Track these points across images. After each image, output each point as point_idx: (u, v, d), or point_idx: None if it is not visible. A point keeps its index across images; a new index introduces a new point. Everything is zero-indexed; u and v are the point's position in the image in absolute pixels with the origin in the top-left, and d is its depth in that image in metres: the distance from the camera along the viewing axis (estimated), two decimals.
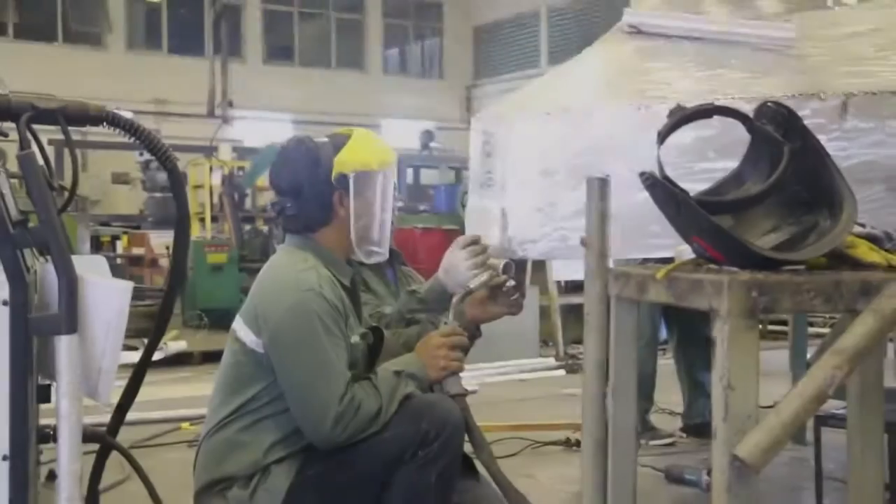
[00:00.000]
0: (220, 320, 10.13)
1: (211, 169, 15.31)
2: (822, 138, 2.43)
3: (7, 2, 22.81)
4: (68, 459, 2.04)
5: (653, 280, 2.33)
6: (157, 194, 15.53)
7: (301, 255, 2.96)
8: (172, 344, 9.54)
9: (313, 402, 2.79)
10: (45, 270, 2.16)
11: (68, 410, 2.03)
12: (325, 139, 3.03)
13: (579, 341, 10.02)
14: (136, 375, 2.60)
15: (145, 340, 8.81)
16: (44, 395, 2.36)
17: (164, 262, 13.28)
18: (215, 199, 15.21)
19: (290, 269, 2.93)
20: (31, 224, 2.07)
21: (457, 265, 3.22)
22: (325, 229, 3.00)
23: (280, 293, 2.88)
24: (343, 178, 2.94)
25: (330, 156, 2.95)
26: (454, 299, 3.16)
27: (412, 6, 28.91)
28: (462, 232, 3.47)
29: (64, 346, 2.02)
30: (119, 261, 14.58)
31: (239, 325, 2.97)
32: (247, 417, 2.91)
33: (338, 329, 2.86)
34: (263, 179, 14.27)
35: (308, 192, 2.95)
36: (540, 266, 10.34)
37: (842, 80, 3.10)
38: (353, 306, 3.03)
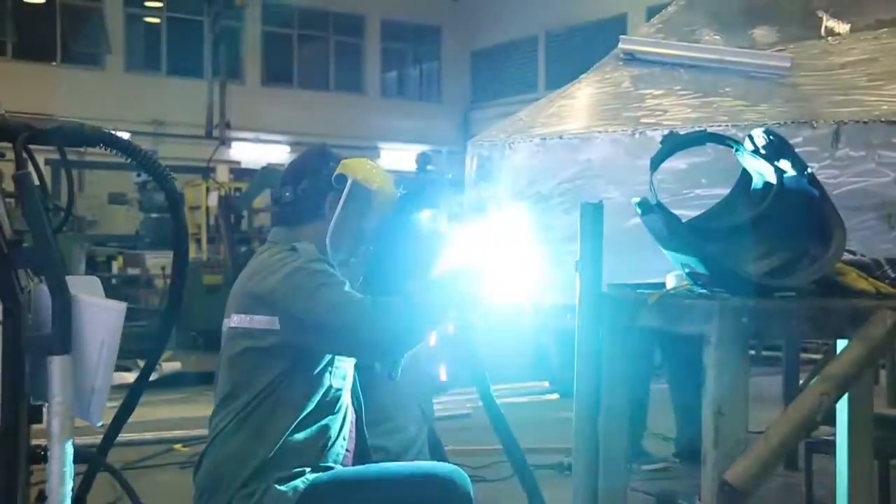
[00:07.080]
0: (215, 342, 10.00)
1: (207, 190, 15.35)
2: (813, 166, 2.46)
3: (6, 21, 22.83)
4: (59, 480, 2.05)
5: (645, 305, 2.34)
6: (154, 215, 15.54)
7: (288, 246, 2.93)
8: (166, 365, 9.48)
9: (351, 319, 2.73)
10: (39, 290, 2.16)
11: (60, 431, 2.04)
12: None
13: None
14: (132, 396, 2.59)
15: (138, 361, 8.67)
16: (35, 415, 2.36)
17: (160, 283, 13.26)
18: (211, 221, 15.25)
19: (278, 252, 2.90)
20: (25, 244, 2.08)
21: None
22: (313, 226, 2.99)
23: (277, 266, 2.84)
24: (342, 178, 2.97)
25: (339, 160, 3.02)
26: None
27: (411, 30, 28.98)
28: None
29: (57, 366, 2.02)
30: (114, 281, 14.56)
31: (237, 319, 2.91)
32: (257, 411, 2.80)
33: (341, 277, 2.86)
34: (260, 201, 14.32)
35: (307, 182, 2.99)
36: None
37: (834, 109, 3.12)
38: None
